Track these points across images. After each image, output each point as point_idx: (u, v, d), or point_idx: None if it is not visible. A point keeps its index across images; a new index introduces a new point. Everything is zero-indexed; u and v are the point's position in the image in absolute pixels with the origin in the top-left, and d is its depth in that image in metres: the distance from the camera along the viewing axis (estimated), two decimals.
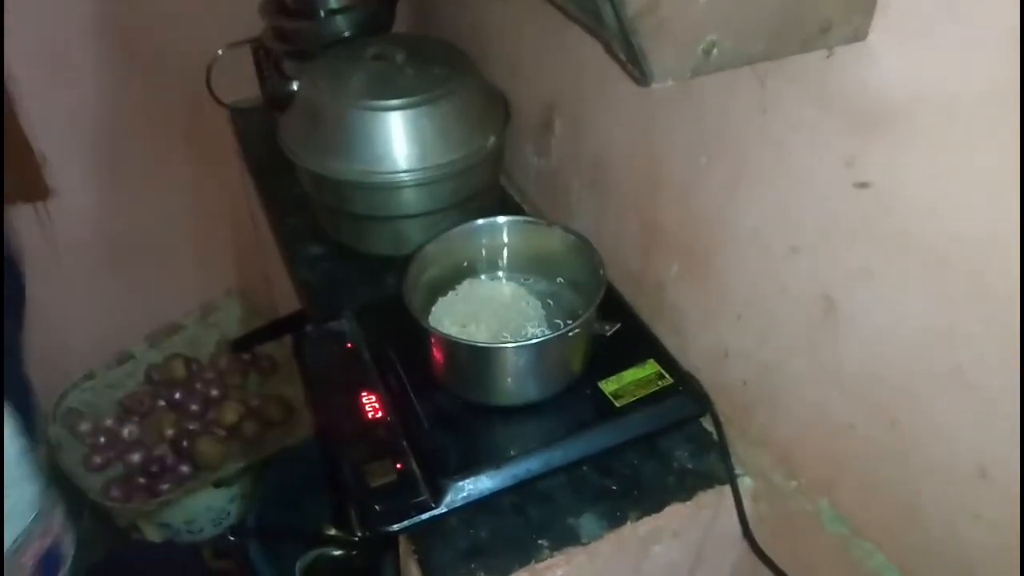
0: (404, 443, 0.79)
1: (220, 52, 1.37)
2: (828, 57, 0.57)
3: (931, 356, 0.58)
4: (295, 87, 1.19)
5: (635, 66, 0.49)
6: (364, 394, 0.84)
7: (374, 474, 0.76)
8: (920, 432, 0.61)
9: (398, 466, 0.76)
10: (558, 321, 0.86)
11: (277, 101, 1.28)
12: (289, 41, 1.25)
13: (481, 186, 1.06)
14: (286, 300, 1.40)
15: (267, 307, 1.75)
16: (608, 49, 0.51)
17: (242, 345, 1.58)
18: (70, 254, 1.58)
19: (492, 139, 1.03)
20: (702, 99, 0.73)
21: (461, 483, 0.74)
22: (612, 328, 0.73)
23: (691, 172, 0.77)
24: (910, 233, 0.57)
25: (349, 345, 0.90)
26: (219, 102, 1.42)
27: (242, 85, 1.44)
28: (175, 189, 1.59)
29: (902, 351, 0.60)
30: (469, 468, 0.75)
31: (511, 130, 1.06)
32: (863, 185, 0.59)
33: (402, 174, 0.98)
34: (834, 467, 0.71)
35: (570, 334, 0.74)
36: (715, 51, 0.50)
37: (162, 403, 1.64)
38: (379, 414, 0.82)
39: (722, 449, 0.81)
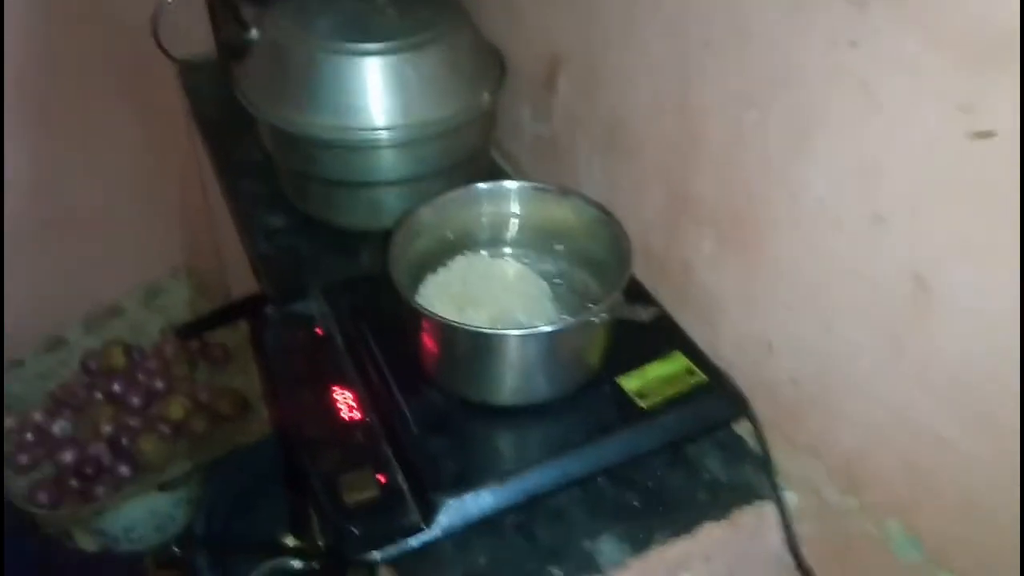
0: (387, 450, 0.66)
1: None
2: None
3: None
4: (254, 35, 1.03)
5: None
6: (337, 389, 0.70)
7: (351, 488, 0.63)
8: None
9: (380, 479, 0.64)
10: (582, 307, 0.73)
11: (233, 53, 1.12)
12: None
13: (471, 151, 0.93)
14: (241, 281, 1.26)
15: (219, 289, 1.59)
16: None
17: (189, 331, 1.42)
18: None
19: (486, 96, 0.89)
20: (760, 36, 0.60)
21: (458, 500, 0.61)
22: (650, 313, 0.60)
23: (739, 128, 0.64)
24: None
25: (318, 331, 0.76)
26: (168, 56, 1.25)
27: (194, 37, 1.28)
28: (115, 154, 1.41)
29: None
30: (467, 482, 0.62)
31: (503, 91, 0.92)
32: (984, 135, 0.47)
33: (380, 131, 0.84)
34: (913, 484, 0.59)
35: (595, 319, 0.61)
36: None
37: (99, 395, 1.46)
38: (356, 414, 0.68)
39: (764, 458, 0.69)
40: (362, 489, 0.63)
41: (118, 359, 1.49)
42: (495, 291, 0.71)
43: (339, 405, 0.69)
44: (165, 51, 1.24)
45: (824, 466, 0.66)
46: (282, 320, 0.77)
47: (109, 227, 1.49)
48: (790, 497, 0.69)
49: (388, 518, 0.61)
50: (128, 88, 1.38)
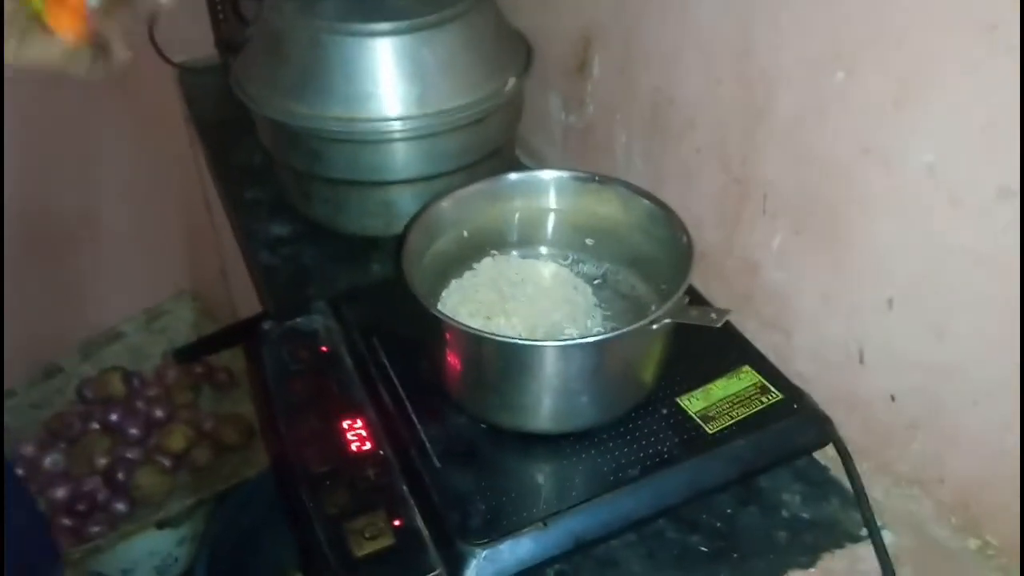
0: (404, 489, 0.55)
1: None
2: None
3: None
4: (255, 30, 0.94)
5: None
6: (345, 417, 0.59)
7: (361, 535, 0.52)
8: None
9: (396, 523, 0.53)
10: (631, 312, 0.62)
11: (233, 51, 1.04)
12: None
13: (494, 145, 0.83)
14: (248, 302, 1.17)
15: (226, 310, 1.50)
16: None
17: (188, 354, 1.32)
18: None
19: (512, 81, 0.79)
20: None
21: (491, 550, 0.51)
22: (723, 316, 0.49)
23: (819, 93, 0.54)
24: None
25: (323, 348, 0.66)
26: (166, 59, 1.17)
27: (193, 40, 1.19)
28: (112, 166, 1.32)
29: None
30: (501, 526, 0.52)
31: (528, 79, 0.82)
32: None
33: (392, 123, 0.74)
34: None
35: (654, 326, 0.50)
36: None
37: (95, 425, 1.37)
38: (367, 445, 0.58)
39: (857, 492, 0.57)
40: (375, 537, 0.52)
41: (116, 386, 1.40)
42: (530, 297, 0.60)
43: (347, 435, 0.59)
44: (162, 54, 1.16)
45: (932, 500, 0.55)
46: (281, 337, 0.67)
47: (107, 246, 1.40)
48: (888, 538, 0.58)
49: (406, 572, 0.50)
50: (123, 95, 1.29)
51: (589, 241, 0.66)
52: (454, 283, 0.62)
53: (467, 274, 0.63)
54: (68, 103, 1.25)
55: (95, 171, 1.31)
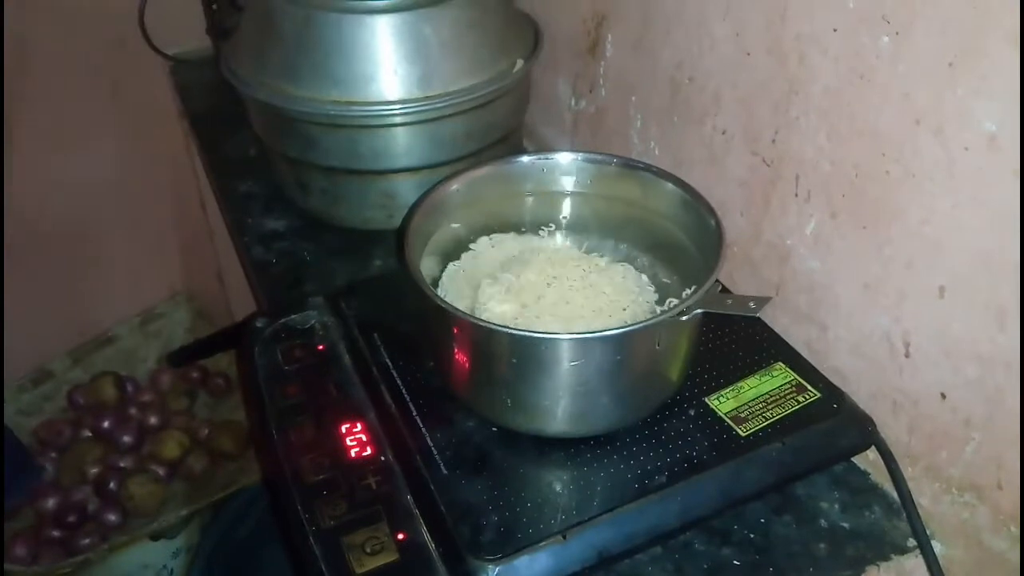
0: (409, 498, 0.50)
1: None
2: None
3: None
4: None
5: None
6: (344, 420, 0.55)
7: (361, 550, 0.48)
8: None
9: (400, 537, 0.48)
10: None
11: (226, 38, 1.00)
12: None
13: (501, 132, 0.78)
14: (245, 304, 1.12)
15: (222, 313, 1.45)
16: None
17: (182, 358, 1.27)
18: None
19: (519, 63, 0.75)
20: None
21: (505, 566, 0.46)
22: (762, 304, 0.44)
23: (861, 61, 0.49)
24: None
25: (320, 347, 0.61)
26: (156, 51, 1.13)
27: (186, 29, 1.15)
28: (102, 163, 1.27)
29: None
30: (516, 540, 0.47)
31: (536, 63, 0.78)
32: None
33: (394, 106, 0.70)
34: None
35: (683, 317, 0.45)
36: None
37: (86, 433, 1.32)
38: (368, 451, 0.53)
39: (904, 499, 0.52)
40: (376, 552, 0.47)
41: (108, 392, 1.35)
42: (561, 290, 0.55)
43: (346, 440, 0.54)
44: (153, 45, 1.12)
45: (989, 507, 0.50)
46: (275, 335, 0.62)
47: (99, 247, 1.35)
48: (938, 549, 0.53)
49: None
50: (114, 90, 1.24)
51: (619, 231, 0.61)
52: (451, 265, 0.57)
53: (464, 256, 0.58)
54: (57, 97, 1.21)
55: (83, 169, 1.26)
